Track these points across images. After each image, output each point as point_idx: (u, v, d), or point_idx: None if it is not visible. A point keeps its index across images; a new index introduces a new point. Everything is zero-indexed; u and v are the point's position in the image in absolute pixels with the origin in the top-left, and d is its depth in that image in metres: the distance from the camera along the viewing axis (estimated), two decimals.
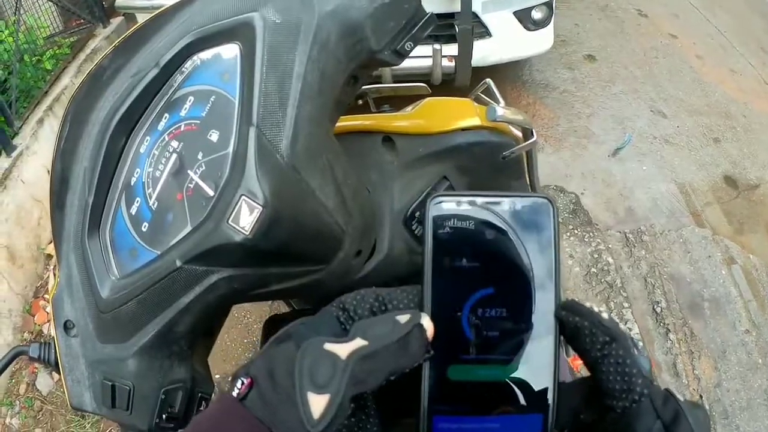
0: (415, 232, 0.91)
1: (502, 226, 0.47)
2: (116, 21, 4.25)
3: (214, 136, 0.64)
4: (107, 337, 0.68)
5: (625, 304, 2.91)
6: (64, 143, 0.72)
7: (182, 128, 0.67)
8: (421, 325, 0.43)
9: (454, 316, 0.46)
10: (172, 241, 0.64)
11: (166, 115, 0.68)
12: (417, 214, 0.92)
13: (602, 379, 0.43)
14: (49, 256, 3.13)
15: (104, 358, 0.68)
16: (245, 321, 2.85)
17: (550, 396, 0.46)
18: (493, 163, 1.00)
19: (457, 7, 3.00)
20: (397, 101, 1.12)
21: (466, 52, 3.06)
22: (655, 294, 2.96)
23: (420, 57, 3.01)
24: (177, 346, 0.69)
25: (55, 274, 0.72)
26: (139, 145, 0.69)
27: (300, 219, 0.65)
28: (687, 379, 2.67)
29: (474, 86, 1.19)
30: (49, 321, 2.84)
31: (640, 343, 2.76)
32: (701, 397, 2.62)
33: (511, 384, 0.46)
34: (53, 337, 0.72)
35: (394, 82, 1.24)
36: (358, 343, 0.41)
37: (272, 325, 1.10)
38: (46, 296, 2.98)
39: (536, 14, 3.41)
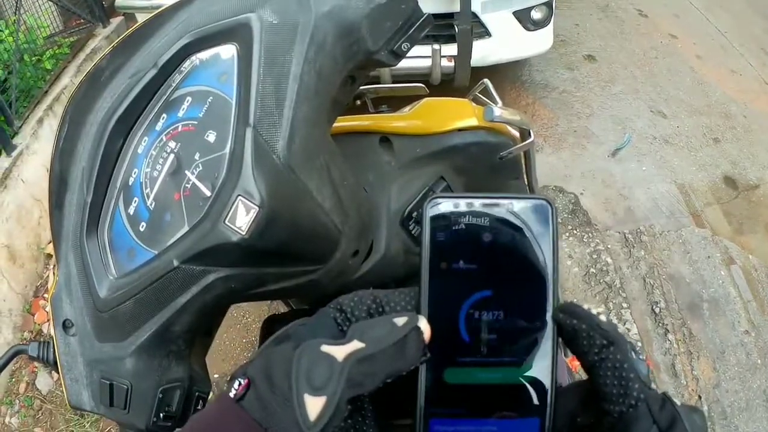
0: (413, 232, 0.92)
1: (500, 229, 0.46)
2: (116, 21, 4.26)
3: (211, 137, 0.64)
4: (105, 336, 0.68)
5: (624, 305, 2.91)
6: (63, 143, 0.73)
7: (180, 129, 0.67)
8: (419, 328, 0.43)
9: (451, 319, 0.46)
10: (170, 240, 0.64)
11: (164, 115, 0.69)
12: (414, 214, 0.92)
13: (599, 383, 0.43)
14: (49, 256, 3.13)
15: (102, 357, 0.68)
16: (244, 321, 2.85)
17: (547, 399, 0.45)
18: (491, 164, 1.00)
19: (456, 7, 3.00)
20: (395, 101, 1.12)
21: (465, 53, 3.06)
22: (654, 294, 2.96)
23: (419, 57, 3.02)
24: (174, 346, 0.70)
25: (54, 274, 0.73)
26: (137, 145, 0.69)
27: (296, 219, 0.65)
28: (686, 380, 2.67)
29: (473, 86, 1.19)
30: (48, 320, 2.84)
31: (639, 344, 2.76)
32: (700, 397, 2.62)
33: (509, 387, 0.46)
34: (52, 336, 0.72)
35: (393, 83, 1.25)
36: (355, 345, 0.41)
37: (271, 325, 1.11)
38: (46, 295, 2.98)
39: (536, 14, 3.40)
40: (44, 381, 2.77)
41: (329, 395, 0.39)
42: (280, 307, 1.39)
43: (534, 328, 0.46)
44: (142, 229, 0.67)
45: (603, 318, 0.44)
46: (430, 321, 0.44)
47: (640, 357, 0.44)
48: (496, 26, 3.30)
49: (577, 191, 3.51)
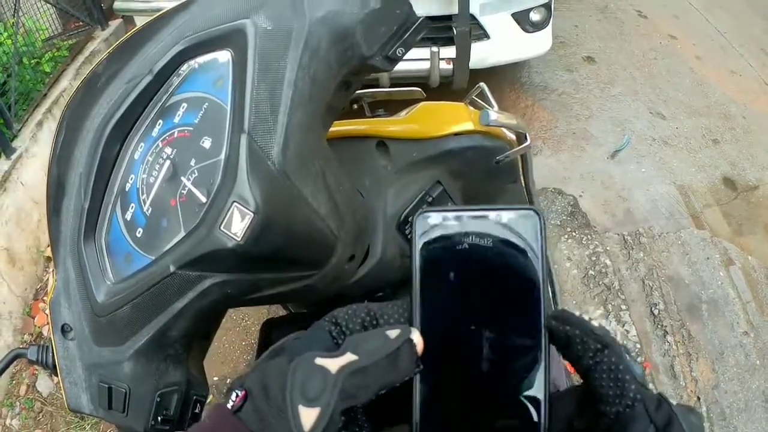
0: (409, 236, 0.92)
1: (489, 240, 0.47)
2: (115, 23, 4.26)
3: (206, 143, 0.65)
4: (103, 341, 0.69)
5: (623, 307, 2.91)
6: (60, 149, 0.73)
7: (175, 135, 0.67)
8: (411, 340, 0.44)
9: (443, 330, 0.46)
10: (166, 246, 0.65)
11: (160, 121, 0.69)
12: (410, 218, 0.92)
13: (595, 386, 0.43)
14: (49, 259, 3.13)
15: (101, 361, 0.69)
16: (243, 324, 2.85)
17: (542, 408, 0.45)
18: (487, 168, 1.01)
19: (454, 9, 3.00)
20: (392, 105, 1.12)
21: (463, 55, 3.06)
22: (653, 296, 2.96)
23: (417, 60, 3.02)
24: (172, 350, 0.70)
25: (54, 277, 0.73)
26: (134, 151, 0.70)
27: (292, 225, 0.66)
28: (685, 381, 2.67)
29: (471, 90, 1.20)
30: (48, 323, 2.85)
31: (638, 346, 2.77)
32: (699, 398, 2.62)
33: (503, 396, 0.46)
34: (51, 339, 0.73)
35: (392, 85, 1.25)
36: (349, 357, 0.42)
37: (269, 328, 1.11)
38: (45, 298, 2.98)
39: (534, 16, 3.39)
40: (45, 383, 2.77)
41: (323, 406, 0.40)
42: (279, 310, 1.39)
43: (526, 337, 0.46)
44: (138, 235, 0.68)
45: (595, 323, 0.45)
46: (423, 333, 0.45)
47: (635, 359, 0.44)
48: (494, 28, 3.29)
49: (576, 193, 3.51)
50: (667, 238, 3.25)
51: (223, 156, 0.63)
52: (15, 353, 0.82)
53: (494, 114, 0.94)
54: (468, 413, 0.46)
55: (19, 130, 3.21)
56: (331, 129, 0.81)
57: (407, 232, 0.92)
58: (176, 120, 0.68)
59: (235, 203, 0.61)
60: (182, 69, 0.69)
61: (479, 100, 1.15)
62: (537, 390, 0.46)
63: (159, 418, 0.70)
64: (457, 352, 0.46)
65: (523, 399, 0.46)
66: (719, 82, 4.50)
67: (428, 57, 3.03)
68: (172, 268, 0.63)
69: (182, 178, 0.65)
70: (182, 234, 0.64)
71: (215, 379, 2.60)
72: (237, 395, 0.43)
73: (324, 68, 0.67)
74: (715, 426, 2.55)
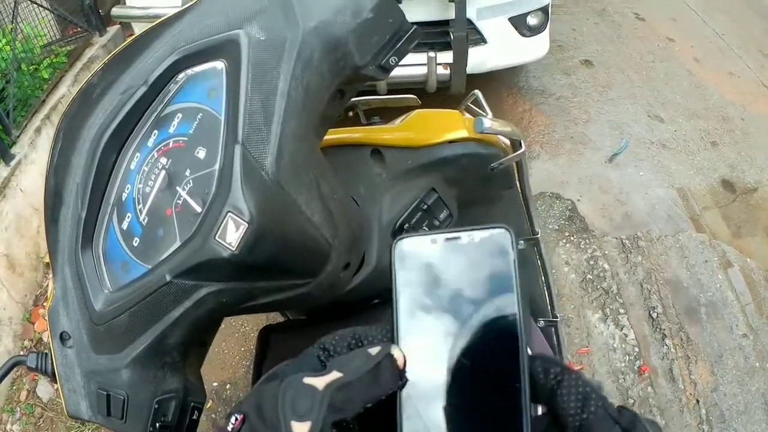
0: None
1: (462, 262, 0.48)
2: (113, 30, 4.27)
3: (201, 153, 0.65)
4: (101, 348, 0.70)
5: (622, 310, 2.91)
6: (57, 159, 0.74)
7: (171, 145, 0.68)
8: (391, 355, 0.46)
9: (424, 348, 0.48)
10: (162, 255, 0.66)
11: (155, 132, 0.70)
12: (406, 226, 0.93)
13: (559, 403, 0.46)
14: (48, 265, 3.13)
15: (99, 369, 0.70)
16: (242, 330, 2.85)
17: (524, 423, 0.45)
18: (482, 175, 1.01)
19: (451, 14, 3.00)
20: (387, 113, 1.13)
21: (461, 60, 3.06)
22: (652, 300, 2.97)
23: (415, 65, 3.03)
24: (169, 357, 0.71)
25: (53, 284, 0.74)
26: (130, 161, 0.71)
27: (286, 234, 0.66)
28: (684, 384, 2.67)
29: (467, 96, 1.20)
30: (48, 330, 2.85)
31: (637, 350, 2.77)
32: (698, 401, 2.62)
33: (484, 414, 0.47)
34: (50, 347, 0.73)
35: (389, 91, 1.26)
36: (334, 375, 0.45)
37: (267, 334, 1.12)
38: (45, 304, 2.98)
39: (532, 20, 3.40)
40: (45, 389, 2.78)
41: (313, 421, 0.43)
42: (277, 317, 1.40)
43: (506, 358, 0.47)
44: (135, 244, 0.68)
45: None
46: (408, 357, 0.47)
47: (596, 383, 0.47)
48: (491, 33, 3.29)
49: (574, 197, 3.51)
50: (665, 242, 3.25)
51: (217, 166, 0.64)
52: (14, 360, 0.82)
53: (488, 121, 0.94)
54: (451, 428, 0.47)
55: (18, 136, 3.21)
56: (326, 137, 0.82)
57: None
58: (171, 130, 0.68)
59: (230, 213, 0.61)
60: (177, 79, 0.70)
61: (474, 107, 1.15)
62: (516, 407, 0.46)
63: (157, 425, 0.71)
64: (440, 369, 0.47)
65: (502, 416, 0.47)
66: (717, 84, 4.51)
67: (425, 62, 3.03)
68: (168, 278, 0.64)
69: (177, 188, 0.66)
70: (178, 243, 0.65)
71: (215, 384, 2.60)
72: (236, 419, 0.46)
73: (317, 78, 0.67)
74: (714, 429, 2.55)
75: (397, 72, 0.75)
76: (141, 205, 0.68)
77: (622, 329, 2.84)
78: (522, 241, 1.23)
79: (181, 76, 0.70)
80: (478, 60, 3.29)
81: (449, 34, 3.04)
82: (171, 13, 0.72)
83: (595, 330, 2.82)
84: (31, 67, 3.57)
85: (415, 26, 0.73)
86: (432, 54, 3.02)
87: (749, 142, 3.99)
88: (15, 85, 3.28)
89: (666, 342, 2.81)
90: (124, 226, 0.69)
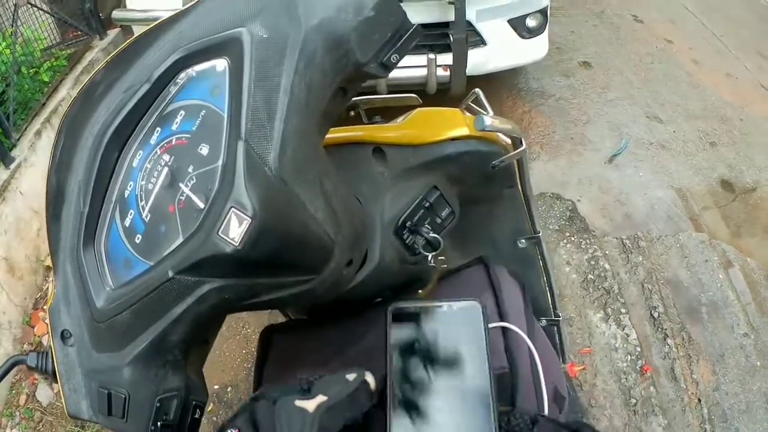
0: (406, 241, 0.93)
1: (441, 329, 0.69)
2: (113, 33, 4.27)
3: (204, 150, 0.65)
4: (103, 346, 0.69)
5: (623, 310, 2.91)
6: (59, 157, 0.74)
7: (173, 142, 0.68)
8: (366, 381, 0.59)
9: (411, 388, 0.65)
10: (165, 252, 0.65)
11: (158, 129, 0.70)
12: (408, 223, 0.93)
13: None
14: (48, 268, 3.13)
15: (100, 367, 0.69)
16: (244, 332, 2.85)
17: None
18: (484, 173, 1.01)
19: (451, 17, 3.01)
20: (389, 112, 1.13)
21: (460, 62, 3.07)
22: (653, 299, 2.97)
23: (415, 67, 3.03)
24: (171, 355, 0.71)
25: (54, 285, 0.74)
26: (132, 158, 0.71)
27: (289, 230, 0.66)
28: (685, 384, 2.67)
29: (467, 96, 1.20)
30: (48, 332, 2.85)
31: (638, 349, 2.77)
32: (700, 401, 2.62)
33: None
34: (51, 346, 0.73)
35: (389, 92, 1.26)
36: (321, 398, 0.56)
37: (269, 335, 1.11)
38: (45, 307, 2.97)
39: (531, 22, 3.41)
40: (44, 393, 2.77)
41: None
42: (279, 317, 1.40)
43: (477, 396, 0.64)
44: (137, 241, 0.68)
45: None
46: (397, 387, 0.65)
47: None
48: (491, 35, 3.30)
49: (574, 198, 3.52)
50: (665, 242, 3.25)
51: (220, 162, 0.63)
52: (14, 360, 0.82)
53: (489, 119, 0.94)
54: None
55: (18, 139, 3.22)
56: (328, 135, 0.82)
57: (405, 237, 0.92)
58: (174, 127, 0.68)
59: (233, 209, 0.61)
60: (180, 77, 0.70)
61: (475, 106, 1.15)
62: None
63: (159, 424, 0.71)
64: (424, 414, 0.64)
65: None
66: (716, 85, 4.52)
67: (425, 64, 3.04)
68: (170, 274, 0.64)
69: (180, 184, 0.66)
70: (181, 240, 0.64)
71: (216, 387, 2.60)
72: None
73: (320, 75, 0.67)
74: (716, 428, 2.55)
75: (397, 73, 0.75)
76: (143, 202, 0.68)
77: (623, 329, 2.84)
78: (524, 240, 1.24)
79: (183, 74, 0.70)
80: (478, 61, 3.30)
81: (449, 35, 3.05)
82: (171, 14, 0.72)
83: (596, 330, 2.82)
84: (31, 71, 3.57)
85: (416, 25, 0.74)
86: (432, 56, 3.03)
87: (748, 143, 4.00)
88: (15, 88, 3.28)
89: (667, 341, 2.81)
90: (127, 223, 0.69)
